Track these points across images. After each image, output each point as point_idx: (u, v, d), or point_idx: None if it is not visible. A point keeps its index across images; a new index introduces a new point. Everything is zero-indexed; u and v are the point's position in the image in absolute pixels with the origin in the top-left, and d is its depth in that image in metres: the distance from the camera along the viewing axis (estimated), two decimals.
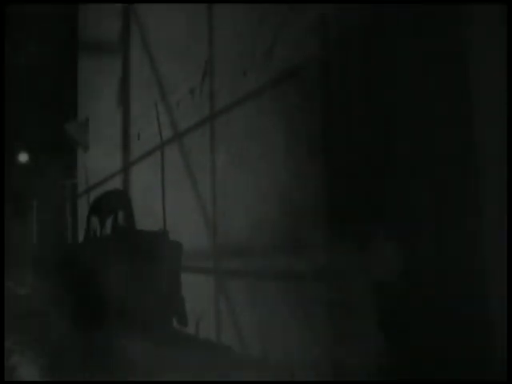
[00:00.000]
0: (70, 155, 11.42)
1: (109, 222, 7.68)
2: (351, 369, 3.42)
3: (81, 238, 9.16)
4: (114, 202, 7.58)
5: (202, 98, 5.58)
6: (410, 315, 3.04)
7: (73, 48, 10.83)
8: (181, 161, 6.02)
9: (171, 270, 5.89)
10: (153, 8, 6.90)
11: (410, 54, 3.11)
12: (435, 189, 2.95)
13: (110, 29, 8.54)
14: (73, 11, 10.79)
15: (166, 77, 6.51)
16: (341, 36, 3.63)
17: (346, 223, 3.56)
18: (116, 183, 8.19)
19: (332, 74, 3.74)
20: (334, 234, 3.67)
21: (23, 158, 14.49)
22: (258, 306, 4.46)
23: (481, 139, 2.73)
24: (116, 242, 6.53)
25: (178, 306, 5.84)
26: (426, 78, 3.00)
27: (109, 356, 4.70)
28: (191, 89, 5.78)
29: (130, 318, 5.46)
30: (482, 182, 2.70)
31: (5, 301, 7.94)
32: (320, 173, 3.81)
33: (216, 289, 5.17)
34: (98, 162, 9.35)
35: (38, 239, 12.95)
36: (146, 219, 6.69)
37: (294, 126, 4.11)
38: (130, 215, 7.08)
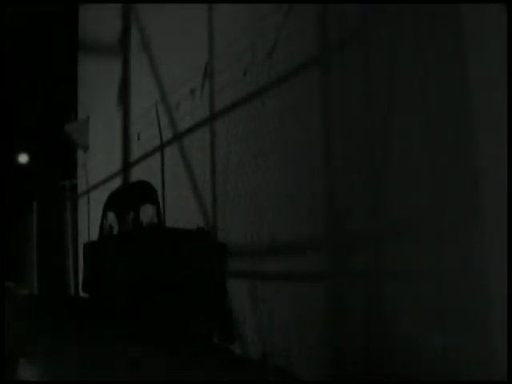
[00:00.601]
0: (70, 155, 11.43)
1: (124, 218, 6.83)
2: None
3: (90, 236, 8.94)
4: (137, 196, 6.44)
5: (202, 99, 5.58)
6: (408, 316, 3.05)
7: (73, 48, 10.84)
8: (181, 161, 6.01)
9: (214, 276, 4.97)
10: (153, 8, 6.89)
11: (409, 55, 3.11)
12: (435, 189, 2.95)
13: (110, 29, 8.54)
14: (73, 11, 10.81)
15: (166, 77, 6.51)
16: (341, 36, 3.63)
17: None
18: (116, 183, 8.18)
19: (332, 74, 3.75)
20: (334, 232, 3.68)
21: (23, 158, 14.52)
22: (258, 306, 4.46)
23: (481, 139, 2.73)
24: (148, 242, 5.48)
25: (220, 318, 4.89)
26: (426, 79, 3.00)
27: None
28: (191, 89, 5.78)
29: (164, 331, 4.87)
30: (481, 182, 2.70)
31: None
32: (321, 172, 3.81)
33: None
34: (99, 161, 9.35)
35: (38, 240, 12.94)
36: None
37: (294, 125, 4.12)
38: (158, 211, 5.97)
